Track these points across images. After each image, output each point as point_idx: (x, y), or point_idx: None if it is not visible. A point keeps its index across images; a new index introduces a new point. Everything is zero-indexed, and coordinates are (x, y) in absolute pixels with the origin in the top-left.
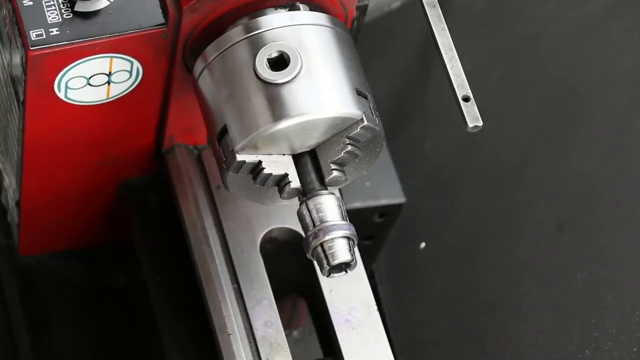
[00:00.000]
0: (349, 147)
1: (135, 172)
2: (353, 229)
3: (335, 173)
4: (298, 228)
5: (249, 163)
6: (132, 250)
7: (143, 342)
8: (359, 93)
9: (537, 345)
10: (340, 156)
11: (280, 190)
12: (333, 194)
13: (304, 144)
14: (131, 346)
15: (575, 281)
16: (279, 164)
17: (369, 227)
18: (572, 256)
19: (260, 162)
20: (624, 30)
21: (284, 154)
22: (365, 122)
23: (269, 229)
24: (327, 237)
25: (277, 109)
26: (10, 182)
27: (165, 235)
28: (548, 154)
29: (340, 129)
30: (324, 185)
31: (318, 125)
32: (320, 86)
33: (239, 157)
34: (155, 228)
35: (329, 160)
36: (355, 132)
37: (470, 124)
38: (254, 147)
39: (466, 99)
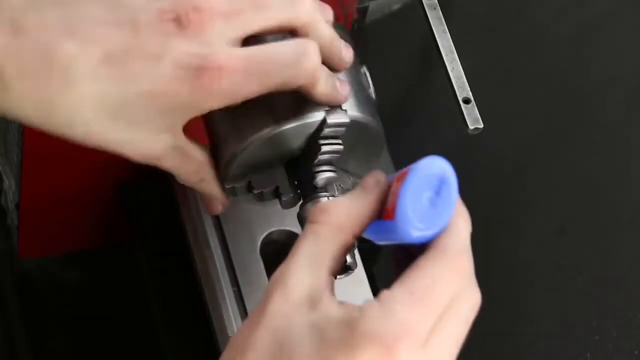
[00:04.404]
0: (327, 147)
1: (135, 175)
2: None
3: (323, 175)
4: (298, 230)
5: (239, 187)
6: (131, 253)
7: (142, 345)
8: None
9: (538, 348)
10: (320, 158)
11: (280, 201)
12: (333, 196)
13: (288, 154)
14: (130, 349)
15: (576, 284)
16: (269, 179)
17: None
18: (574, 259)
19: (249, 182)
20: (624, 33)
21: (275, 166)
22: (329, 121)
23: (269, 231)
24: None
25: (239, 135)
26: (9, 184)
27: (165, 238)
28: (549, 156)
29: (311, 131)
30: (319, 188)
31: (287, 137)
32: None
33: (227, 185)
34: (155, 230)
35: (313, 164)
36: (326, 131)
37: (471, 126)
38: (240, 167)
39: (467, 101)
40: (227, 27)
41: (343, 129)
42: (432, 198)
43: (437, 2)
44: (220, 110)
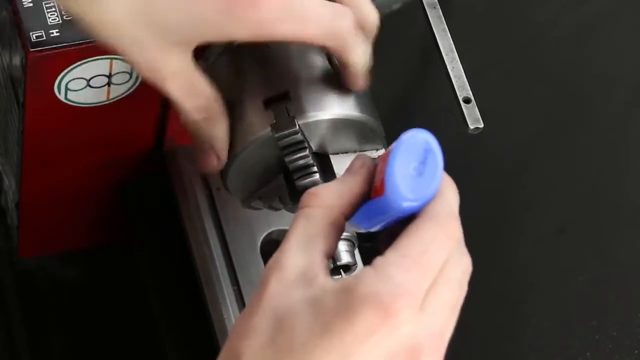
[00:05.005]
0: (290, 157)
1: (135, 174)
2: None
3: (303, 180)
4: None
5: (296, 138)
6: (131, 252)
7: (142, 344)
8: (267, 102)
9: (538, 348)
10: (292, 166)
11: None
12: None
13: (283, 162)
14: (130, 348)
15: (576, 284)
16: (273, 190)
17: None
18: (574, 259)
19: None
20: (624, 32)
21: (277, 175)
22: (277, 135)
23: (269, 230)
24: None
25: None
26: (9, 184)
27: (165, 237)
28: (549, 156)
29: (273, 144)
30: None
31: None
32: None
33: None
34: (155, 230)
35: (290, 172)
36: (281, 142)
37: (471, 126)
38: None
39: (467, 101)
40: None
41: (297, 135)
42: (419, 167)
43: (437, 1)
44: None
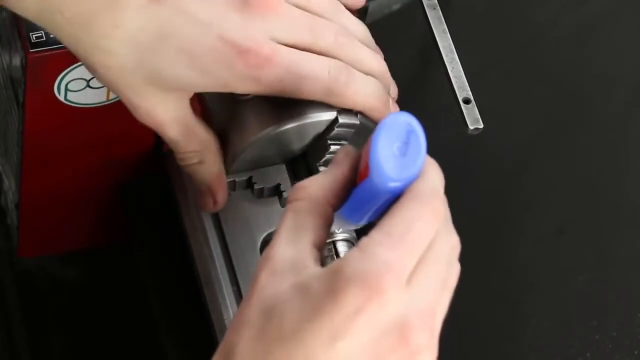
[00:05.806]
0: (331, 147)
1: (135, 174)
2: (353, 231)
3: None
4: None
5: (240, 182)
6: (131, 252)
7: (142, 345)
8: None
9: (538, 348)
10: (325, 157)
11: (280, 199)
12: None
13: (292, 152)
14: (130, 348)
15: (576, 284)
16: (270, 175)
17: (368, 229)
18: (574, 259)
19: (250, 177)
20: (624, 32)
21: (277, 164)
22: (340, 121)
23: (269, 231)
24: (327, 240)
25: (250, 129)
26: (9, 184)
27: (165, 237)
28: (549, 156)
29: (319, 130)
30: None
31: (291, 136)
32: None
33: (229, 178)
34: (155, 230)
35: (317, 163)
36: (334, 132)
37: (471, 126)
38: (241, 165)
39: (467, 101)
40: (283, 26)
41: (352, 130)
42: (402, 148)
43: (437, 2)
44: (221, 108)
